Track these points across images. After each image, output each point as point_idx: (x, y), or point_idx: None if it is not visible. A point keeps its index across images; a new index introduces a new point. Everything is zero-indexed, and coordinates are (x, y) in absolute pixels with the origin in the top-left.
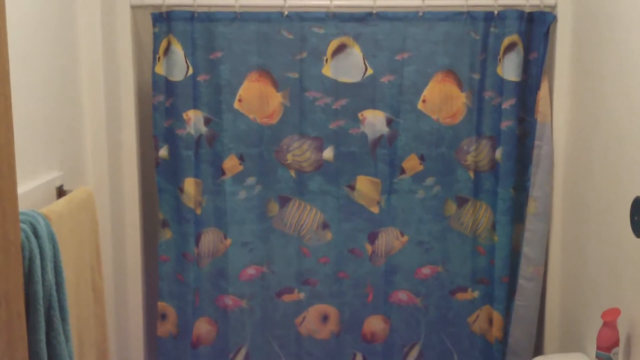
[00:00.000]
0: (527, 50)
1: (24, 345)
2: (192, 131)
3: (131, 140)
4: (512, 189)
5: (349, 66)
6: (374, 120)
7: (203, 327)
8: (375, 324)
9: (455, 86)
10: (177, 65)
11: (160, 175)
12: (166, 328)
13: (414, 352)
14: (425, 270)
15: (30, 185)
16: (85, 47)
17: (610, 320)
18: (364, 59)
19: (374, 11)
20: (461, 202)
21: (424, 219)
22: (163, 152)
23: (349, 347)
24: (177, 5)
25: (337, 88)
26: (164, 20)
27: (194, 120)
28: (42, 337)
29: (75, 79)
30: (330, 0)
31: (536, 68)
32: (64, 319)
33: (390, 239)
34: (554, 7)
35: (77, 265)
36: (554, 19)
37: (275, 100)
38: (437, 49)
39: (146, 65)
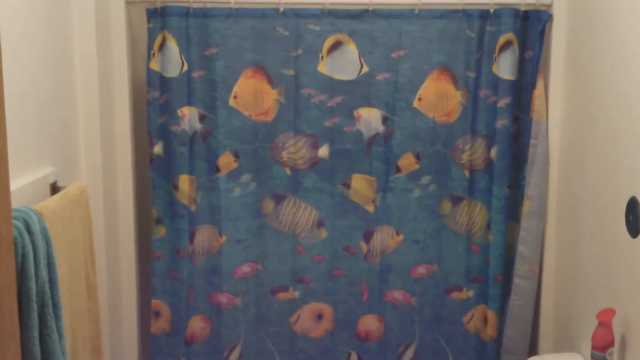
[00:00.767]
0: (523, 49)
1: (17, 342)
2: (187, 127)
3: (125, 137)
4: (506, 187)
5: (345, 63)
6: (370, 118)
7: (197, 325)
8: (370, 323)
9: (451, 84)
10: (172, 61)
11: (155, 172)
12: (160, 325)
13: (409, 352)
14: (421, 270)
15: (24, 181)
16: (80, 42)
17: (605, 320)
18: (359, 56)
19: (370, 8)
20: (456, 200)
21: (419, 218)
22: (157, 148)
23: (344, 345)
24: (172, 1)
25: (332, 85)
26: (158, 15)
27: (189, 116)
28: (35, 334)
29: (69, 74)
30: None
31: (531, 66)
32: (57, 316)
33: (386, 238)
34: (549, 5)
35: (70, 261)
36: (549, 17)
37: (271, 97)
38: (432, 46)
39: (140, 61)
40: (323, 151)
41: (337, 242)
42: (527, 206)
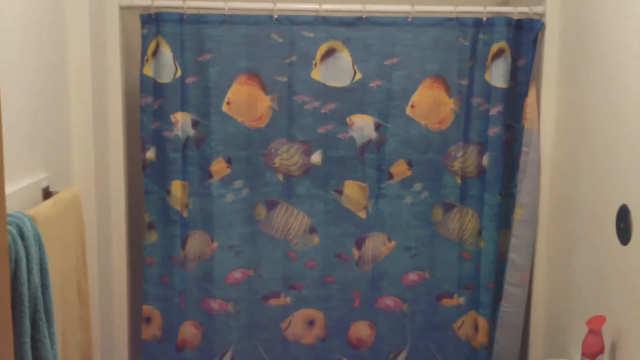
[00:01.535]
0: (515, 57)
1: (10, 348)
2: (180, 133)
3: (118, 142)
4: (498, 195)
5: (338, 70)
6: (363, 125)
7: (188, 331)
8: (361, 330)
9: (444, 92)
10: (166, 67)
11: (147, 177)
12: (151, 331)
13: (400, 358)
14: (413, 276)
15: (17, 187)
16: (73, 47)
17: (595, 327)
18: (352, 64)
19: (364, 16)
20: (448, 207)
21: (411, 225)
22: (150, 154)
23: (335, 352)
24: (166, 7)
25: (325, 92)
26: (152, 21)
27: (182, 122)
28: (27, 339)
29: (63, 79)
30: (320, 5)
31: (524, 75)
32: (49, 322)
33: (378, 245)
34: (542, 14)
35: (62, 267)
36: (542, 26)
37: (264, 103)
38: (426, 54)
39: (134, 66)
40: (316, 158)
41: (329, 248)
42: (518, 214)
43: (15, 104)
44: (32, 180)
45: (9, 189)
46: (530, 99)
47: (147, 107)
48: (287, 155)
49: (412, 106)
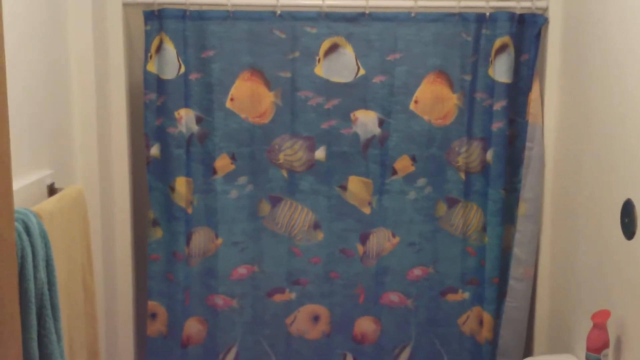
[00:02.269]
0: (519, 52)
1: (18, 344)
2: (184, 130)
3: (122, 139)
4: (502, 190)
5: (341, 66)
6: (366, 121)
7: (193, 327)
8: (365, 325)
9: (447, 87)
10: (169, 63)
11: (151, 174)
12: (156, 327)
13: (405, 353)
14: (417, 272)
15: (22, 183)
16: (76, 44)
17: (600, 322)
18: (356, 59)
19: (366, 11)
20: (452, 203)
21: (415, 220)
22: (154, 150)
23: (340, 347)
24: (169, 3)
25: (329, 88)
26: (155, 18)
27: (186, 118)
28: (34, 336)
29: (66, 76)
30: (322, 0)
31: (527, 70)
32: (55, 318)
33: (382, 240)
34: (545, 9)
35: (68, 263)
36: (545, 21)
37: (267, 99)
38: (428, 49)
39: (137, 63)
40: (319, 153)
41: (333, 244)
42: (522, 209)
43: (19, 102)
44: (37, 177)
45: (14, 185)
46: (534, 94)
47: (151, 103)
48: (290, 152)
49: (416, 102)
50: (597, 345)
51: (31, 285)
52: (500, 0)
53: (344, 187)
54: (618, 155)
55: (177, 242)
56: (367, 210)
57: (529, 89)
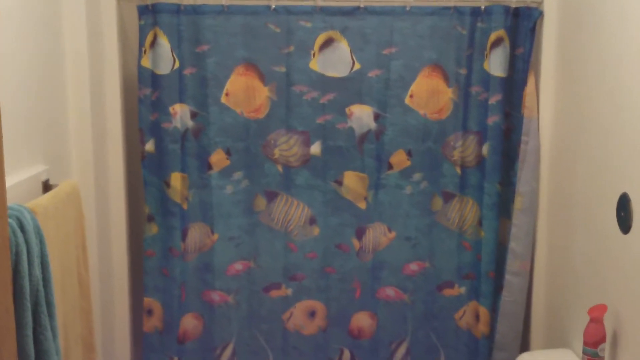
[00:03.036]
0: (514, 46)
1: (13, 341)
2: (179, 125)
3: (117, 134)
4: (498, 184)
5: (336, 60)
6: (362, 115)
7: (189, 322)
8: (362, 320)
9: (442, 81)
10: (164, 58)
11: (146, 169)
12: (152, 323)
13: (401, 348)
14: (413, 266)
15: (16, 179)
16: (70, 39)
17: (596, 316)
18: (351, 53)
19: (361, 5)
20: (447, 197)
21: (411, 215)
22: (149, 145)
23: (336, 342)
24: None
25: (324, 82)
26: (150, 12)
27: (180, 113)
28: (29, 332)
29: (60, 71)
30: None
31: (522, 63)
32: (50, 315)
33: (378, 235)
34: (540, 2)
35: (63, 259)
36: (540, 14)
37: (262, 94)
38: (424, 43)
39: (132, 58)
40: (315, 148)
41: (330, 239)
42: (518, 203)
43: (13, 97)
44: (32, 173)
45: (8, 181)
46: (529, 88)
47: (146, 98)
48: (286, 146)
49: (411, 96)
50: (594, 340)
51: (26, 283)
52: None
53: (339, 182)
54: (614, 148)
55: (172, 238)
56: (362, 205)
57: (525, 82)
